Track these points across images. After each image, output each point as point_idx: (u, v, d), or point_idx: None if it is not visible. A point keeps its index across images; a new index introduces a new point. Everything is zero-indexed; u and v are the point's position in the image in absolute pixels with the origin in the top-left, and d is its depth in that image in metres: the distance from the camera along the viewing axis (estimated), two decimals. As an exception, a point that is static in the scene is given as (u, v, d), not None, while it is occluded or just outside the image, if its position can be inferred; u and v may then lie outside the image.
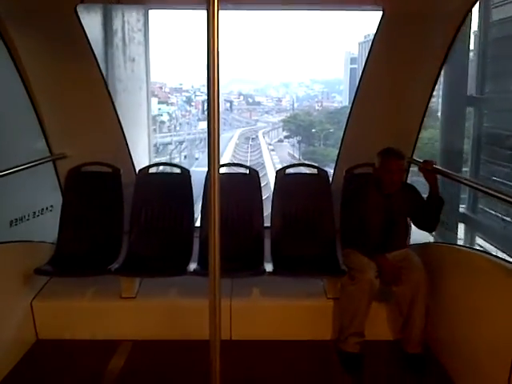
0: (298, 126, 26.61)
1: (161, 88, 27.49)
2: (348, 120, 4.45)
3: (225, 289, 3.44)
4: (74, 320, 3.54)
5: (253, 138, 30.68)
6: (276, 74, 33.21)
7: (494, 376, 2.61)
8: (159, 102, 25.94)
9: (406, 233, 3.57)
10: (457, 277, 3.23)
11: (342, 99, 27.79)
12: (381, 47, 3.99)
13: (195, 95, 28.35)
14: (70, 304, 3.57)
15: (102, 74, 4.09)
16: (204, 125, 24.36)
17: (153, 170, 4.11)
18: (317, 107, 29.33)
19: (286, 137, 30.47)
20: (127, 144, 4.43)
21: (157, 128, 25.00)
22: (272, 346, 3.45)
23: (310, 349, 3.43)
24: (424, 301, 3.23)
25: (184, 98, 28.69)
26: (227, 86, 30.10)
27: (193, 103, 28.67)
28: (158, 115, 25.63)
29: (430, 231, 3.59)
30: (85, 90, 4.15)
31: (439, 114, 15.91)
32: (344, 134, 4.53)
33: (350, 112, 4.42)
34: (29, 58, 3.85)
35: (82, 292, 3.63)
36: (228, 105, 30.25)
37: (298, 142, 27.09)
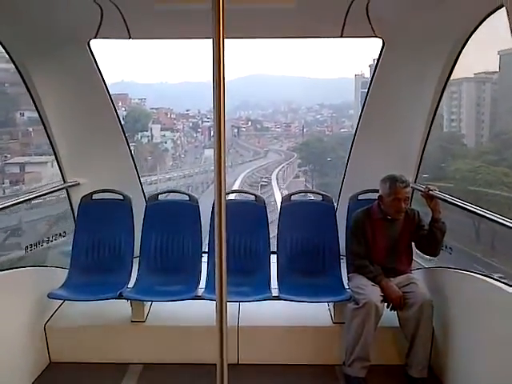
0: (311, 153, 25.99)
1: (166, 114, 27.63)
2: (351, 147, 4.73)
3: (232, 313, 3.68)
4: (85, 343, 3.77)
5: (263, 185, 25.37)
6: (283, 100, 32.94)
7: None
8: (163, 129, 25.95)
9: (410, 257, 3.78)
10: (460, 301, 3.39)
11: (352, 123, 27.76)
12: (382, 75, 4.30)
13: (202, 121, 28.52)
14: (82, 327, 3.81)
15: (113, 106, 4.41)
16: (209, 152, 24.36)
17: (162, 197, 4.36)
18: (327, 132, 29.38)
19: (298, 165, 28.89)
20: (138, 172, 4.72)
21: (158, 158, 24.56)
22: (279, 370, 3.64)
23: (316, 373, 3.60)
24: (429, 325, 3.41)
25: (190, 124, 28.86)
26: (235, 111, 30.37)
27: (199, 129, 28.84)
28: (161, 143, 25.65)
29: (433, 256, 3.75)
30: (97, 121, 4.49)
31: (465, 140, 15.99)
32: (348, 161, 4.80)
33: (354, 139, 4.70)
34: (44, 91, 4.19)
35: (93, 316, 3.87)
36: (236, 131, 30.45)
37: (311, 170, 25.99)
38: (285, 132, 32.08)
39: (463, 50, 3.85)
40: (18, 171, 17.99)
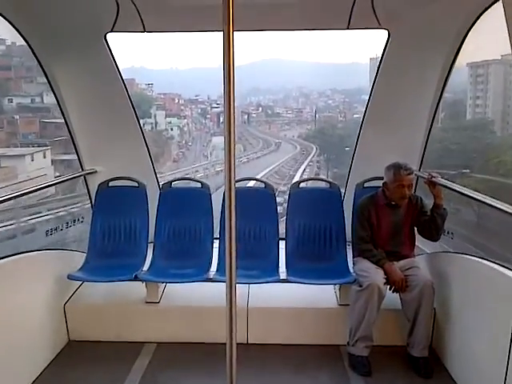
0: (326, 141, 24.63)
1: (173, 100, 27.31)
2: (358, 135, 5.01)
3: (242, 295, 4.00)
4: (102, 322, 4.11)
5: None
6: (295, 85, 32.44)
7: (493, 380, 3.00)
8: (170, 116, 25.43)
9: (413, 242, 4.05)
10: (462, 284, 3.64)
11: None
12: (388, 66, 4.55)
13: (211, 107, 28.31)
14: (99, 307, 4.15)
15: (129, 96, 4.73)
16: (217, 140, 24.23)
17: (175, 184, 4.65)
18: (340, 118, 29.07)
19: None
20: (152, 160, 5.04)
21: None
22: (286, 349, 3.95)
23: (321, 353, 3.90)
24: (430, 307, 3.68)
25: (199, 111, 28.65)
26: (245, 97, 30.24)
27: (208, 115, 28.62)
28: (166, 130, 25.10)
29: (434, 240, 4.00)
30: (113, 112, 4.82)
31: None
32: (355, 150, 5.08)
33: (360, 128, 4.98)
34: (64, 83, 4.53)
35: (110, 297, 4.22)
36: (246, 117, 30.27)
37: (326, 160, 23.75)
38: (296, 118, 31.68)
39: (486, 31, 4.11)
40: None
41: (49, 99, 16.57)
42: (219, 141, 23.72)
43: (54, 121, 16.32)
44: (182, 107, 27.63)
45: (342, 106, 28.78)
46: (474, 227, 10.72)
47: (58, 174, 13.46)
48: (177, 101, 27.58)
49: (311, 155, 25.07)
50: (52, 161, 15.91)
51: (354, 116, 26.50)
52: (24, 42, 4.13)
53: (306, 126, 30.02)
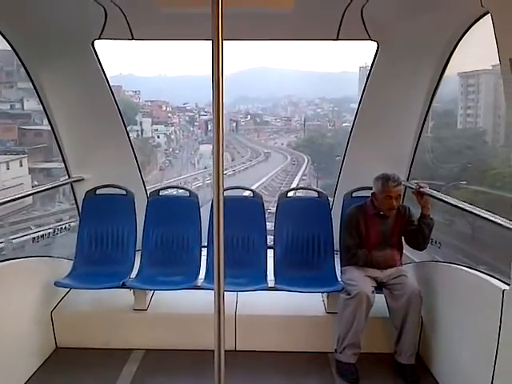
0: (315, 151, 24.18)
1: (161, 107, 27.17)
2: (347, 146, 5.09)
3: (230, 302, 4.05)
4: (90, 329, 4.13)
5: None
6: (284, 93, 32.43)
7: None
8: (157, 123, 25.16)
9: (400, 251, 4.13)
10: (448, 292, 3.71)
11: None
12: (377, 77, 4.64)
13: (199, 115, 28.26)
14: (86, 315, 4.18)
15: (116, 104, 4.78)
16: (205, 148, 24.11)
17: (163, 192, 4.70)
18: (329, 126, 29.14)
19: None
20: (140, 168, 5.08)
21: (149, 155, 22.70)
22: (274, 356, 3.99)
23: (309, 360, 3.95)
24: (417, 315, 3.76)
25: (187, 118, 28.57)
26: (234, 105, 30.25)
27: (196, 123, 28.56)
28: (152, 137, 24.72)
29: (420, 250, 4.08)
30: (100, 119, 4.86)
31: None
32: (343, 160, 5.15)
33: (349, 138, 5.06)
34: (50, 90, 4.56)
35: (97, 304, 4.24)
36: (234, 125, 30.21)
37: (316, 169, 22.60)
38: (285, 126, 31.68)
39: (474, 42, 4.09)
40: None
41: (30, 105, 16.22)
42: (207, 149, 23.61)
43: (33, 128, 16.06)
44: (170, 115, 27.48)
45: (330, 115, 28.85)
46: (468, 239, 10.75)
47: (36, 183, 13.10)
48: (164, 108, 27.44)
49: (303, 167, 23.63)
50: (30, 169, 15.35)
51: (343, 125, 26.48)
52: (2, 47, 4.14)
53: (295, 134, 30.02)
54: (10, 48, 4.15)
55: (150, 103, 26.75)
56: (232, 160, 25.79)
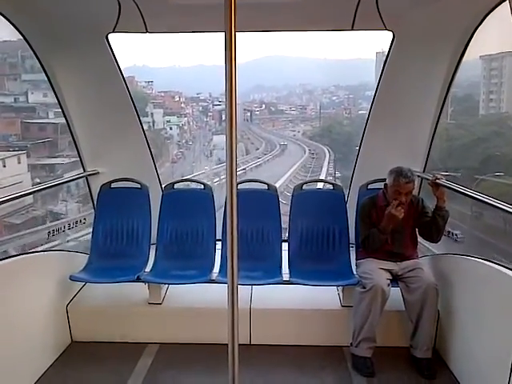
0: (333, 140, 22.96)
1: (173, 98, 27.05)
2: (362, 137, 5.11)
3: (245, 296, 4.11)
4: (105, 323, 4.22)
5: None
6: (299, 81, 32.19)
7: (497, 380, 3.06)
8: (169, 114, 24.85)
9: (415, 243, 4.16)
10: (465, 285, 3.73)
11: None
12: (393, 67, 4.63)
13: (213, 104, 28.13)
14: (101, 308, 4.26)
15: (131, 97, 4.84)
16: (218, 139, 23.97)
17: (178, 185, 4.74)
18: (345, 114, 28.90)
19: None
20: (154, 161, 5.15)
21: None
22: (289, 350, 4.04)
23: (325, 354, 4.00)
24: (433, 308, 3.77)
25: (200, 108, 28.46)
26: (248, 95, 30.12)
27: (210, 113, 28.44)
28: (164, 129, 24.35)
29: (434, 242, 4.10)
30: (115, 113, 4.92)
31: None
32: (359, 152, 5.17)
33: (365, 129, 5.07)
34: (65, 84, 4.64)
35: (112, 298, 4.32)
36: (248, 115, 30.05)
37: (334, 160, 20.90)
38: (300, 115, 31.49)
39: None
40: None
41: (35, 98, 15.84)
42: (221, 140, 23.60)
43: (37, 121, 15.67)
44: (183, 105, 27.38)
45: (346, 103, 28.64)
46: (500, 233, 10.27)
47: (38, 181, 12.82)
48: (177, 99, 27.35)
49: (325, 162, 21.12)
50: (32, 166, 14.85)
51: (359, 112, 26.26)
52: (6, 38, 4.20)
53: (311, 123, 29.84)
54: (13, 39, 4.20)
55: (163, 94, 26.69)
56: (246, 154, 24.75)
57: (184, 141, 26.13)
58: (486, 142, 12.98)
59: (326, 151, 21.84)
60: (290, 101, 31.95)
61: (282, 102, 31.96)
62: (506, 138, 13.31)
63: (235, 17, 1.76)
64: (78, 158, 4.98)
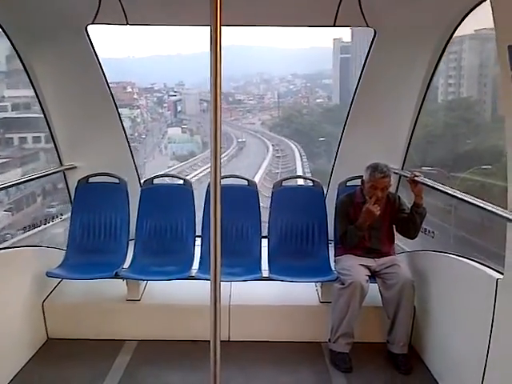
0: (295, 130, 22.19)
1: (125, 89, 26.38)
2: (342, 133, 5.22)
3: (224, 292, 4.13)
4: (82, 320, 4.22)
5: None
6: (256, 71, 32.09)
7: (471, 375, 3.19)
8: (120, 106, 24.27)
9: (392, 240, 4.31)
10: (441, 281, 3.87)
11: (327, 94, 26.55)
12: (373, 64, 4.75)
13: (168, 95, 27.70)
14: (78, 305, 4.26)
15: (109, 90, 4.83)
16: (173, 131, 23.72)
17: (157, 180, 4.77)
18: (303, 103, 28.91)
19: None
20: (133, 156, 5.15)
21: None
22: (268, 346, 4.15)
23: (303, 349, 4.11)
24: (410, 305, 3.93)
25: (155, 99, 27.99)
26: (206, 84, 29.88)
27: (165, 104, 27.96)
28: None
29: (411, 238, 4.23)
30: (93, 105, 4.89)
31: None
32: (338, 149, 5.30)
33: (344, 126, 5.18)
34: (42, 75, 4.59)
35: (90, 294, 4.33)
36: (205, 105, 29.74)
37: (303, 158, 18.85)
38: (258, 104, 31.42)
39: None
40: None
41: None
42: (176, 132, 23.36)
43: None
44: (136, 96, 26.72)
45: (304, 91, 28.74)
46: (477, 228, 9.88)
47: None
48: (130, 89, 26.65)
49: (298, 162, 18.43)
50: None
51: (317, 101, 26.40)
52: None
53: (269, 112, 29.74)
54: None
55: (115, 85, 26.00)
56: (203, 149, 22.32)
57: (136, 134, 25.53)
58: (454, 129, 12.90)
59: (294, 147, 20.18)
60: (247, 90, 31.82)
61: (239, 92, 31.80)
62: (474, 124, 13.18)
63: (221, 11, 1.78)
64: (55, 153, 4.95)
